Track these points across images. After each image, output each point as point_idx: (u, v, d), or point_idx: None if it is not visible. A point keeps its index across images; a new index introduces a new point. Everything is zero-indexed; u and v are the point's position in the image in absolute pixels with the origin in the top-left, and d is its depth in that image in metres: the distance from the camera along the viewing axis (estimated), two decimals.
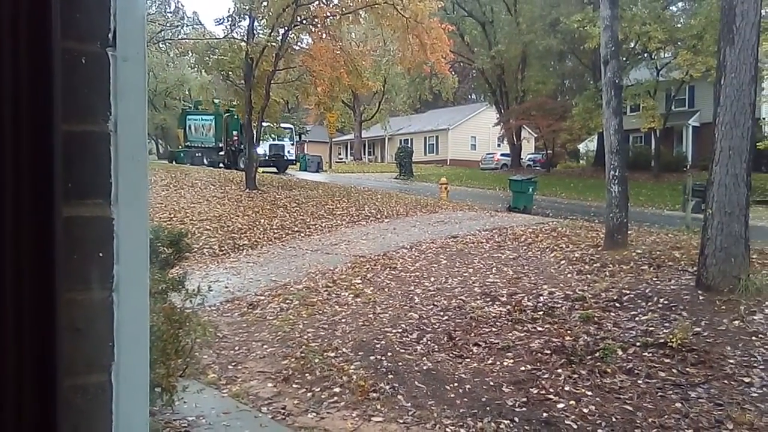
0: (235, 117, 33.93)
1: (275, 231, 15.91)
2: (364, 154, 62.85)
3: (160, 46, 47.64)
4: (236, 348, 7.77)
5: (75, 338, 0.93)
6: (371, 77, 29.49)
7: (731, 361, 6.33)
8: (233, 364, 7.20)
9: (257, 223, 16.70)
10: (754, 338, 6.76)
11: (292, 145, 37.65)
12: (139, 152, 1.02)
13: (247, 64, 22.34)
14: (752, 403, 5.51)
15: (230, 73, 24.79)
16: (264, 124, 27.53)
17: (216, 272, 12.05)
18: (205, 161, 37.47)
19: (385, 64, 34.02)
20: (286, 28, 22.38)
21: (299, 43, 25.02)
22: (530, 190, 21.53)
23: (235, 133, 34.83)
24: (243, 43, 23.28)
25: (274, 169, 34.67)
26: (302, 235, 15.61)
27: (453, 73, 40.75)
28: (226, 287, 10.81)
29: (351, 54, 23.89)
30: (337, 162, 55.56)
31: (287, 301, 9.69)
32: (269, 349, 7.66)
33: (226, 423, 5.38)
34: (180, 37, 33.31)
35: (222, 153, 36.33)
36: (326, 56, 22.51)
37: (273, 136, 33.01)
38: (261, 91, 23.23)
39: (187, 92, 55.86)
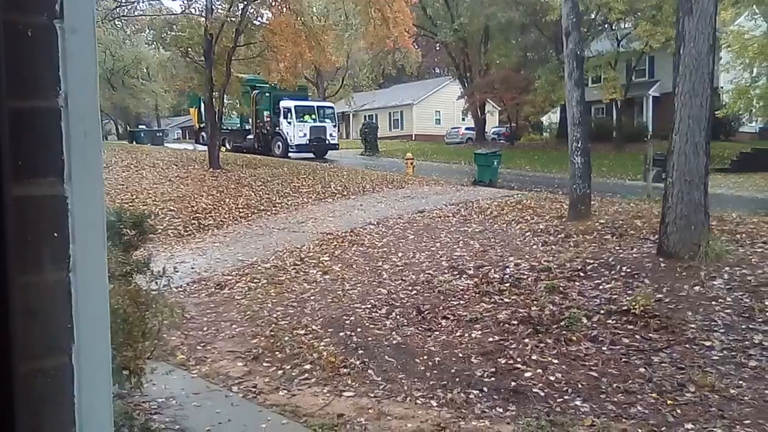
0: (266, 93, 31.32)
1: (241, 210, 15.75)
2: None
3: (116, 23, 46.29)
4: (205, 328, 7.72)
5: (31, 321, 0.90)
6: (334, 52, 29.12)
7: (692, 325, 6.51)
8: (202, 344, 7.15)
9: (222, 202, 16.50)
10: (713, 303, 6.96)
11: (334, 126, 32.73)
12: (93, 128, 0.98)
13: (207, 40, 21.86)
14: (713, 366, 5.69)
15: (189, 49, 24.23)
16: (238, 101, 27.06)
17: (182, 253, 11.90)
18: (227, 145, 32.81)
19: (348, 39, 33.52)
20: (245, 2, 21.95)
21: (259, 18, 24.59)
22: (495, 163, 21.65)
23: (267, 113, 31.57)
24: (202, 19, 22.76)
25: (310, 155, 30.22)
26: (268, 213, 15.49)
27: (416, 47, 40.56)
28: (193, 268, 10.70)
29: (313, 29, 23.54)
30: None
31: (255, 281, 9.64)
32: (238, 328, 7.63)
33: (196, 403, 5.36)
34: (136, 13, 31.89)
35: (251, 136, 32.27)
36: (287, 31, 22.16)
37: (312, 117, 30.42)
38: (222, 68, 22.78)
39: (145, 70, 54.53)
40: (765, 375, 5.44)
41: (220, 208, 15.86)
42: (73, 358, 0.95)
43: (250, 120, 32.08)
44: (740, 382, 5.36)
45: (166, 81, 37.26)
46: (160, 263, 5.30)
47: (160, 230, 12.87)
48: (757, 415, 4.78)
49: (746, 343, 6.05)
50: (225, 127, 32.21)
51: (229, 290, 9.38)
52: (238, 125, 33.10)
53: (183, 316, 7.23)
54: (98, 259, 0.99)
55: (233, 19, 21.86)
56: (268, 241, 12.40)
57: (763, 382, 5.32)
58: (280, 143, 30.55)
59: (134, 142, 37.67)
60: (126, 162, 23.05)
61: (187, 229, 14.16)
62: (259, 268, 10.43)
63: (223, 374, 6.20)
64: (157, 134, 43.35)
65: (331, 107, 33.44)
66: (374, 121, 44.23)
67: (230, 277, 10.06)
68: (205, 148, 32.09)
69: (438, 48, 48.52)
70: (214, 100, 22.93)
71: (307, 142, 30.05)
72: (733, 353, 5.89)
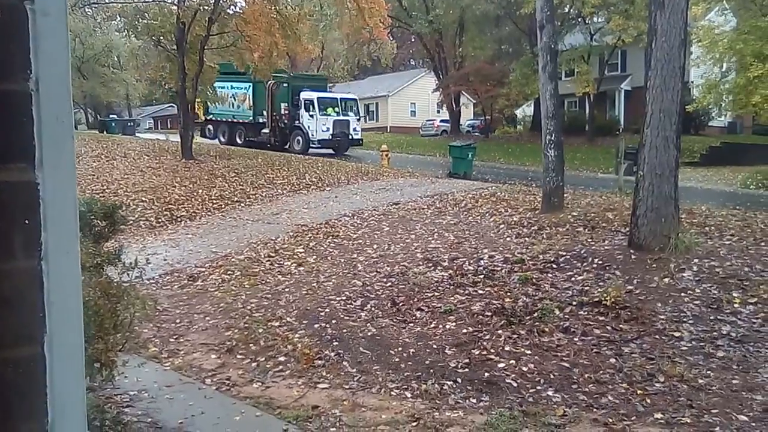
0: (284, 84, 29.33)
1: (214, 201, 15.61)
2: None
3: (86, 10, 45.40)
4: (177, 321, 7.64)
5: (1, 310, 0.88)
6: (309, 42, 28.96)
7: (662, 316, 6.62)
8: (175, 337, 7.08)
9: (195, 193, 16.33)
10: (683, 294, 7.08)
11: (358, 120, 30.32)
12: (64, 113, 0.96)
13: (179, 28, 21.55)
14: (682, 356, 5.80)
15: (161, 38, 23.88)
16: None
17: (154, 244, 11.76)
18: (238, 140, 31.31)
19: (323, 30, 33.29)
20: None
21: (233, 7, 24.29)
22: (470, 155, 21.75)
23: (284, 105, 29.27)
24: (174, 7, 22.44)
25: (330, 151, 28.22)
26: (242, 205, 15.37)
27: (391, 38, 40.53)
28: (165, 260, 10.58)
29: (287, 18, 23.35)
30: None
31: (229, 272, 9.56)
32: (212, 320, 7.57)
33: (169, 396, 5.32)
34: (107, 0, 31.11)
35: (266, 130, 29.84)
36: (261, 20, 21.94)
37: (336, 110, 28.46)
38: (194, 57, 22.50)
39: (116, 58, 53.61)
40: (732, 365, 5.56)
41: (193, 199, 15.69)
42: (45, 348, 0.93)
43: (265, 113, 29.83)
44: (708, 372, 5.47)
45: (138, 70, 36.59)
46: (132, 255, 5.22)
47: (131, 221, 12.71)
48: (724, 405, 4.89)
49: (714, 333, 6.18)
50: (236, 119, 31.40)
51: (203, 282, 9.29)
52: (251, 118, 30.81)
53: (155, 309, 7.15)
54: (71, 247, 0.97)
55: (206, 7, 21.58)
56: (242, 233, 12.31)
57: (731, 372, 5.44)
58: (300, 138, 28.48)
59: (105, 132, 37.04)
60: (96, 152, 22.69)
61: (160, 220, 13.99)
62: (233, 259, 10.35)
63: (196, 367, 6.16)
64: (129, 124, 42.69)
65: (355, 99, 31.25)
66: None
67: (203, 269, 9.97)
68: (212, 141, 31.01)
69: (413, 40, 48.52)
70: (186, 90, 22.63)
71: (330, 137, 28.02)
72: (702, 344, 6.01)
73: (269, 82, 28.84)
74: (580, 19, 35.88)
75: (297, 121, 28.58)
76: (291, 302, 7.95)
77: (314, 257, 10.03)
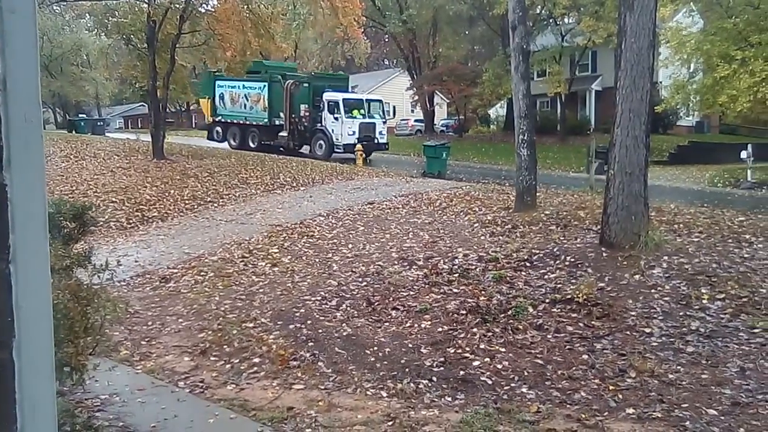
0: (304, 84, 27.61)
1: (186, 202, 15.44)
2: None
3: (54, 8, 44.62)
4: (149, 323, 7.55)
5: None
6: (282, 41, 28.74)
7: (633, 313, 6.72)
8: (147, 339, 6.99)
9: (167, 193, 16.13)
10: (653, 291, 7.20)
11: (384, 123, 27.92)
12: (33, 112, 0.94)
13: (150, 26, 21.29)
14: (653, 352, 5.89)
15: (132, 36, 23.59)
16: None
17: (125, 246, 11.60)
18: (251, 143, 28.97)
19: (296, 28, 33.11)
20: None
21: (205, 5, 24.07)
22: (444, 155, 21.85)
23: (304, 106, 27.22)
24: (144, 5, 22.15)
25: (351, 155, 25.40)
26: (215, 205, 15.23)
27: (365, 38, 40.46)
28: (136, 261, 10.43)
29: (260, 17, 23.19)
30: None
31: (202, 273, 9.47)
32: (184, 322, 7.49)
33: (141, 400, 5.25)
34: None
35: (284, 133, 27.62)
36: (233, 19, 21.78)
37: (361, 112, 26.49)
38: (166, 56, 22.26)
39: (85, 57, 52.81)
40: (701, 360, 5.67)
41: (164, 200, 15.51)
42: (14, 353, 0.91)
43: (283, 114, 27.61)
44: (678, 367, 5.57)
45: (108, 69, 36.03)
46: (103, 256, 5.14)
47: (101, 222, 12.54)
48: (694, 399, 4.98)
49: (684, 329, 6.28)
50: (248, 121, 29.20)
51: (175, 284, 9.19)
52: (266, 120, 28.58)
53: (126, 311, 7.08)
54: (40, 249, 0.95)
55: (177, 5, 21.34)
56: (216, 233, 12.20)
57: (700, 367, 5.54)
58: (322, 142, 26.56)
59: (74, 132, 36.40)
60: (65, 152, 22.31)
61: (131, 221, 13.80)
62: (206, 260, 10.26)
63: (169, 369, 6.08)
64: (98, 123, 42.03)
65: (380, 100, 28.97)
66: None
67: (176, 270, 9.86)
68: (221, 145, 29.19)
69: (387, 39, 48.55)
70: (157, 89, 22.36)
71: (356, 141, 25.60)
72: (672, 339, 6.11)
73: (288, 82, 27.30)
74: (551, 20, 36.30)
75: (319, 124, 26.71)
76: (265, 303, 7.90)
77: (289, 257, 9.98)
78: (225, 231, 12.33)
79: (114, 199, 15.30)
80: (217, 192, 16.47)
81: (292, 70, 30.39)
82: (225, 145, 29.81)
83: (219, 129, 30.88)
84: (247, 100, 29.47)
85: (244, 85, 29.43)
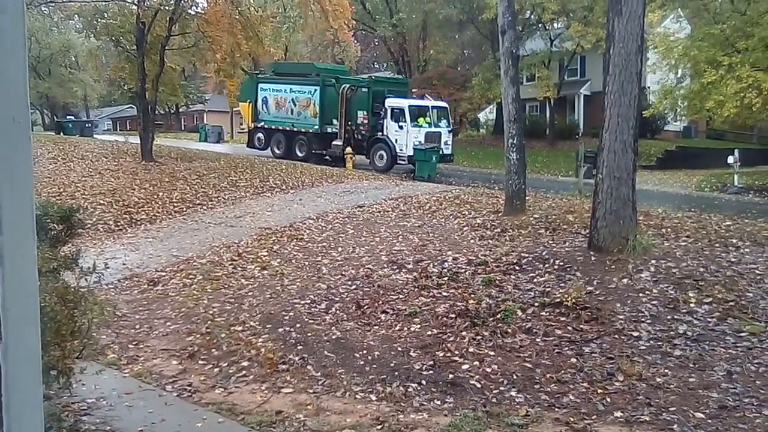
0: (363, 89, 25.10)
1: (175, 204, 15.37)
2: None
3: (43, 9, 44.35)
4: (137, 326, 7.50)
5: None
6: (272, 44, 28.67)
7: (621, 317, 6.75)
8: (134, 343, 6.95)
9: (155, 196, 16.05)
10: (641, 295, 7.23)
11: (450, 132, 25.11)
12: (21, 113, 0.93)
13: (139, 28, 21.21)
14: (640, 356, 5.92)
15: (121, 38, 23.48)
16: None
17: (112, 249, 11.52)
18: (298, 152, 26.32)
19: (286, 31, 33.06)
20: None
21: (194, 7, 24.02)
22: (434, 158, 21.86)
23: (363, 113, 24.72)
24: (134, 7, 22.06)
25: (410, 167, 23.24)
26: (204, 208, 15.17)
27: (355, 41, 40.49)
28: (124, 264, 10.37)
29: (250, 19, 23.17)
30: (239, 132, 54.07)
31: (190, 277, 9.43)
32: (172, 326, 7.45)
33: (128, 403, 5.21)
34: None
35: (338, 142, 24.98)
36: (223, 21, 21.75)
37: (427, 120, 24.11)
38: (155, 58, 22.19)
39: (73, 59, 52.51)
40: (689, 364, 5.70)
41: (153, 202, 15.42)
42: (0, 356, 0.90)
43: (336, 121, 25.28)
44: (666, 370, 5.60)
45: (96, 70, 35.80)
46: (90, 259, 5.10)
47: (89, 225, 12.45)
48: (681, 402, 5.00)
49: (671, 333, 6.32)
50: (295, 128, 26.66)
51: (163, 287, 9.14)
52: (317, 127, 25.98)
53: (114, 314, 7.03)
54: (27, 251, 0.94)
55: (167, 7, 21.28)
56: (204, 236, 12.14)
57: (687, 371, 5.57)
58: (384, 153, 23.99)
59: (62, 133, 36.08)
60: (53, 154, 22.14)
61: (119, 223, 13.71)
62: (194, 263, 10.21)
63: (157, 373, 6.05)
64: (86, 125, 41.63)
65: (446, 108, 26.39)
66: None
67: (164, 273, 9.81)
68: (264, 153, 26.89)
69: (377, 43, 48.58)
70: (146, 91, 22.27)
71: (423, 150, 23.34)
72: (659, 343, 6.14)
73: (343, 86, 25.05)
74: (540, 25, 36.49)
75: (380, 133, 24.17)
76: (254, 306, 7.87)
77: (278, 260, 9.95)
78: (214, 234, 12.28)
79: (102, 202, 15.20)
80: (206, 194, 16.41)
81: (344, 73, 28.31)
82: (268, 152, 27.46)
83: (261, 136, 28.16)
84: (295, 104, 26.97)
85: (291, 89, 27.04)
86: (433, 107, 25.25)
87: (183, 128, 60.11)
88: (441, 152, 23.85)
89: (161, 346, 6.83)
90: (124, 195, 16.00)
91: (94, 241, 12.24)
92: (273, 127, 27.50)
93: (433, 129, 23.93)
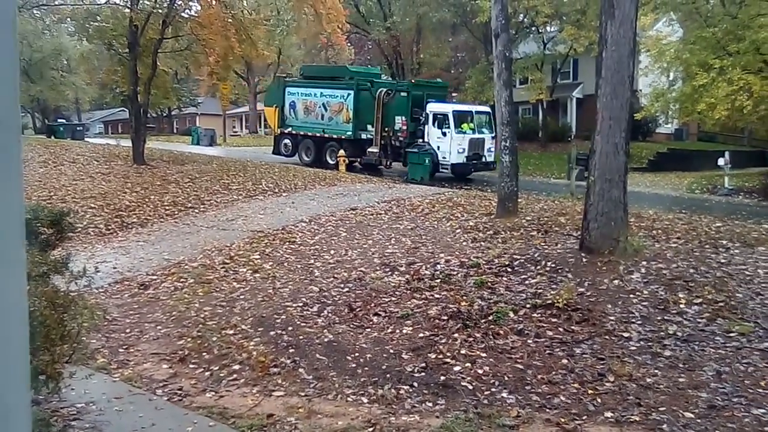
0: (402, 93, 23.67)
1: (167, 208, 15.33)
2: (260, 127, 61.50)
3: (34, 12, 44.13)
4: (127, 330, 7.48)
5: None
6: (265, 47, 28.61)
7: (612, 318, 6.78)
8: (125, 347, 6.93)
9: (147, 199, 16.01)
10: (631, 296, 7.27)
11: (492, 138, 22.96)
12: (11, 116, 0.94)
13: (132, 31, 21.16)
14: (631, 356, 5.95)
15: (113, 41, 23.41)
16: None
17: (103, 252, 11.48)
18: (329, 159, 25.05)
19: (280, 35, 32.97)
20: None
21: (188, 10, 23.99)
22: (427, 161, 21.87)
23: (401, 119, 23.26)
24: (126, 10, 22.01)
25: (449, 174, 22.41)
26: (196, 211, 15.14)
27: (349, 44, 40.56)
28: (115, 268, 10.34)
29: (243, 22, 23.14)
30: (231, 135, 54.10)
31: (182, 280, 9.40)
32: (163, 330, 7.43)
33: (118, 408, 5.20)
34: (56, 2, 30.03)
35: (374, 149, 23.67)
36: (216, 24, 21.70)
37: (471, 126, 22.87)
38: (147, 61, 22.13)
39: (65, 62, 52.30)
40: (679, 364, 5.74)
41: (144, 206, 15.38)
42: None
43: (371, 127, 23.88)
44: (656, 371, 5.63)
45: (88, 73, 35.61)
46: (80, 263, 5.09)
47: (80, 228, 12.38)
48: (671, 403, 5.03)
49: (661, 333, 6.36)
50: (326, 135, 25.45)
51: (154, 290, 9.11)
52: (350, 133, 24.66)
53: (104, 318, 6.99)
54: (16, 255, 0.94)
55: (160, 10, 21.24)
56: (196, 240, 12.12)
57: (677, 371, 5.60)
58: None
59: (53, 137, 35.92)
60: (44, 157, 22.04)
61: (109, 227, 13.66)
62: (186, 267, 10.18)
63: (147, 377, 6.03)
64: (78, 128, 41.46)
65: (489, 112, 24.09)
66: None
67: (155, 277, 9.78)
68: (291, 159, 25.68)
69: (370, 46, 48.64)
70: (138, 94, 22.21)
71: (465, 159, 22.48)
72: (650, 344, 6.17)
73: (380, 90, 23.71)
74: (533, 28, 36.60)
75: (420, 140, 22.90)
76: (246, 309, 7.86)
77: (270, 263, 9.94)
78: (206, 237, 12.26)
79: (93, 205, 15.14)
80: (198, 198, 16.38)
81: (378, 76, 26.83)
82: (295, 159, 26.32)
83: (288, 142, 26.83)
84: (326, 109, 25.63)
85: (322, 93, 25.71)
86: (477, 112, 24.19)
87: (175, 131, 60.01)
88: (484, 159, 23.04)
89: (152, 350, 6.81)
90: (116, 198, 15.95)
91: (85, 244, 12.19)
92: (301, 133, 26.29)
93: (477, 135, 22.87)
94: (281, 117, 26.72)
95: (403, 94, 23.69)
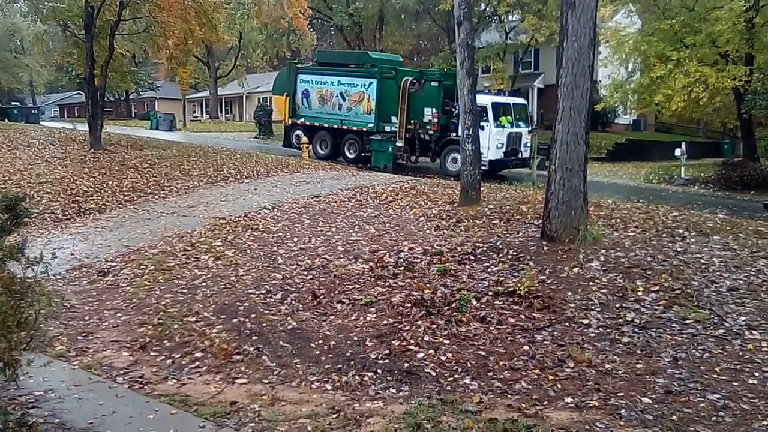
0: (433, 83, 21.49)
1: (126, 193, 15.03)
2: (221, 113, 60.68)
3: None
4: (86, 318, 7.34)
5: None
6: (226, 31, 28.12)
7: (572, 305, 6.91)
8: (84, 334, 6.80)
9: (105, 185, 15.66)
10: (591, 283, 7.41)
11: (529, 132, 21.86)
12: None
13: (88, 12, 20.54)
14: (590, 343, 6.08)
15: (69, 22, 22.71)
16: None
17: (60, 238, 11.22)
18: (348, 153, 23.60)
19: (240, 18, 32.40)
20: None
21: None
22: (390, 149, 21.86)
23: (432, 111, 21.34)
24: None
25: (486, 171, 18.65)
26: (156, 197, 14.87)
27: (311, 29, 40.19)
28: (73, 254, 10.12)
29: (203, 5, 22.69)
30: (192, 120, 53.22)
31: (142, 267, 9.25)
32: (123, 317, 7.31)
33: (78, 396, 5.11)
34: None
35: (399, 143, 21.74)
36: (176, 7, 21.22)
37: (509, 119, 21.30)
38: (104, 43, 21.56)
39: (18, 43, 50.71)
40: (636, 350, 5.88)
41: (102, 191, 15.05)
42: None
43: (396, 119, 22.00)
44: (614, 357, 5.76)
45: (43, 55, 34.55)
46: (37, 249, 4.95)
47: (35, 214, 12.10)
48: (629, 388, 5.16)
49: (620, 320, 6.50)
50: (344, 127, 23.55)
51: (113, 277, 8.95)
52: (372, 125, 22.66)
53: (62, 305, 6.86)
54: None
55: None
56: (156, 226, 11.91)
57: (635, 357, 5.74)
58: (458, 155, 18.21)
59: (6, 120, 34.77)
60: None
61: (66, 213, 13.35)
62: (146, 253, 10.01)
63: (107, 365, 5.93)
64: (33, 111, 40.21)
65: (525, 105, 23.18)
66: (269, 103, 43.15)
67: (114, 264, 9.60)
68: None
69: (333, 32, 48.32)
70: (95, 77, 21.63)
71: (503, 155, 20.94)
72: (608, 330, 6.31)
73: (405, 79, 21.72)
74: (495, 18, 36.85)
75: (454, 134, 20.35)
76: (208, 297, 7.78)
77: (233, 251, 9.84)
78: (166, 223, 12.06)
79: (49, 190, 14.77)
80: (158, 183, 16.09)
81: (400, 64, 24.83)
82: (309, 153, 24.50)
83: (300, 133, 24.85)
84: (344, 99, 23.65)
85: (340, 81, 23.73)
86: (515, 104, 22.37)
87: (133, 116, 58.83)
88: (520, 155, 21.43)
89: (111, 337, 6.70)
90: (72, 184, 15.57)
91: (41, 230, 11.90)
92: (316, 124, 24.32)
93: (515, 129, 21.33)
94: (292, 106, 24.82)
95: (434, 83, 21.49)
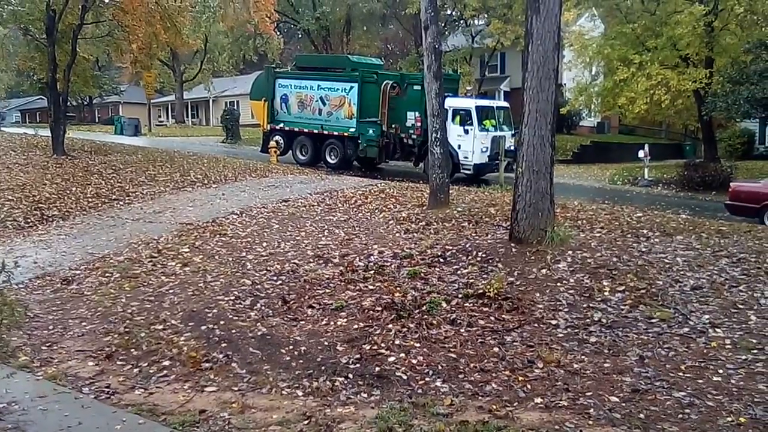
0: (416, 86, 20.58)
1: (90, 200, 14.74)
2: (188, 117, 59.95)
3: None
4: (50, 327, 7.18)
5: None
6: (191, 35, 27.75)
7: (540, 306, 6.98)
8: (48, 344, 6.65)
9: (68, 191, 15.34)
10: (559, 284, 7.50)
11: (513, 136, 20.80)
12: None
13: (50, 16, 20.15)
14: (559, 343, 6.14)
15: (30, 26, 22.22)
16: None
17: (22, 246, 10.95)
18: (329, 158, 23.31)
19: (206, 22, 32.01)
20: None
21: None
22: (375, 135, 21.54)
23: (415, 114, 20.96)
24: None
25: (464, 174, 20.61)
26: (121, 203, 14.63)
27: (278, 33, 39.98)
28: (36, 262, 9.89)
29: (168, 9, 22.42)
30: (157, 125, 52.49)
31: (107, 275, 9.08)
32: (88, 326, 7.16)
33: (42, 407, 5.00)
34: None
35: (378, 146, 21.83)
36: (140, 10, 20.95)
37: (493, 123, 20.98)
38: (67, 47, 21.17)
39: None
40: (604, 350, 5.96)
41: (65, 198, 14.74)
42: None
43: (380, 123, 21.68)
44: (582, 357, 5.83)
45: (3, 60, 33.58)
46: None
47: None
48: (597, 387, 5.23)
49: (587, 320, 6.58)
50: (325, 132, 23.25)
51: (78, 285, 8.77)
52: (353, 130, 22.53)
53: (25, 315, 6.70)
54: None
55: None
56: (122, 233, 11.71)
57: (602, 357, 5.82)
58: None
59: None
60: None
61: (29, 220, 13.04)
62: (111, 261, 9.84)
63: (73, 375, 5.81)
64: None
65: (508, 108, 22.71)
66: (236, 107, 42.75)
67: (78, 272, 9.41)
68: (282, 158, 23.29)
69: (300, 36, 48.16)
70: (57, 82, 21.21)
71: (488, 159, 20.53)
72: (576, 330, 6.39)
73: (385, 83, 21.54)
74: (462, 22, 37.17)
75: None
76: (176, 304, 7.67)
77: (200, 257, 9.72)
78: (132, 230, 11.87)
79: (10, 197, 14.41)
80: (123, 189, 15.82)
81: (380, 68, 24.66)
82: (287, 158, 24.30)
83: (279, 138, 24.25)
84: (324, 103, 23.44)
85: (320, 85, 23.48)
86: (498, 108, 22.28)
87: (97, 121, 57.77)
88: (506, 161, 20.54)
89: (77, 347, 6.56)
90: (35, 190, 15.22)
91: (3, 238, 11.61)
92: (295, 129, 24.01)
93: (499, 133, 20.93)
94: (271, 111, 24.42)
95: (416, 87, 20.68)
